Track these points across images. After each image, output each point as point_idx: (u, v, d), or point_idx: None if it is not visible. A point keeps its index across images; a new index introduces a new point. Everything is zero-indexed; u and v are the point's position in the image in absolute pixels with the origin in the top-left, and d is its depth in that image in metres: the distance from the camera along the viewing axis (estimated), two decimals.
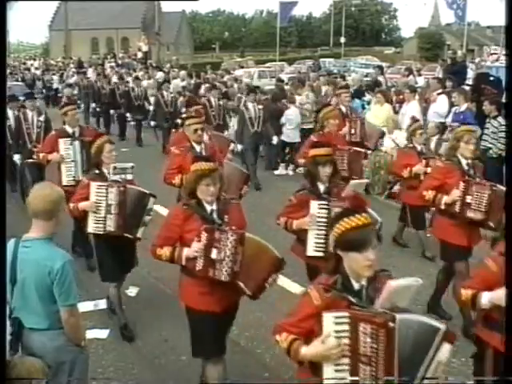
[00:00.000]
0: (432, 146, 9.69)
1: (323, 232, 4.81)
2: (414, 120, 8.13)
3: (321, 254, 4.82)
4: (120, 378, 4.90)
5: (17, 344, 3.45)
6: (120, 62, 36.91)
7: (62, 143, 7.26)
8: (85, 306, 5.69)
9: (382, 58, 49.39)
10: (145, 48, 39.27)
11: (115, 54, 44.21)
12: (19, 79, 28.35)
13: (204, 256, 3.89)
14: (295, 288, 6.47)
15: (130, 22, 65.82)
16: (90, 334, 5.21)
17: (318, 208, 4.84)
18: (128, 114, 16.95)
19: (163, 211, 6.49)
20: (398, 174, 7.67)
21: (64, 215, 3.60)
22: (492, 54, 31.25)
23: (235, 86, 18.36)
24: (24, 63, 41.59)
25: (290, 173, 12.47)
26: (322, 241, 4.83)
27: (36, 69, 35.13)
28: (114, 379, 4.87)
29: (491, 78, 10.35)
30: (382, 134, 11.05)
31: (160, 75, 23.76)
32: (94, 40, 70.30)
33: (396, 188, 10.26)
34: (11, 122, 9.94)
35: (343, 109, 9.89)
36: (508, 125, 7.88)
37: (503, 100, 9.64)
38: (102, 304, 6.13)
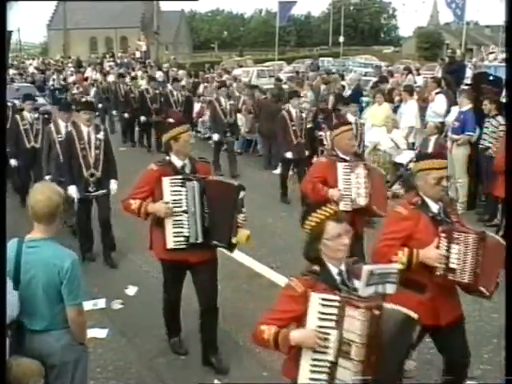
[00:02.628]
0: (431, 145, 9.71)
1: None
2: None
3: None
4: (119, 377, 4.89)
5: (18, 347, 3.40)
6: (119, 61, 36.91)
7: (169, 184, 4.61)
8: (84, 305, 5.67)
9: (381, 57, 49.27)
10: (144, 47, 39.29)
11: (114, 54, 44.20)
12: (16, 80, 27.42)
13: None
14: None
15: (129, 21, 65.82)
16: (89, 333, 5.16)
17: None
18: None
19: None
20: None
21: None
22: (490, 53, 31.22)
23: (234, 85, 18.34)
24: (23, 62, 41.54)
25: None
26: None
27: (35, 68, 35.07)
28: (112, 378, 4.86)
29: (491, 78, 10.32)
30: None
31: (159, 74, 23.77)
32: (93, 39, 70.29)
33: (395, 187, 10.27)
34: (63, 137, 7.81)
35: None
36: (508, 124, 7.87)
37: (503, 99, 9.64)
38: (101, 303, 6.13)
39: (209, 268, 4.82)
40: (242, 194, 4.42)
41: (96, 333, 5.46)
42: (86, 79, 25.51)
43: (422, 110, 11.40)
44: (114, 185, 7.20)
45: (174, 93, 14.06)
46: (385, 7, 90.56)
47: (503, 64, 18.45)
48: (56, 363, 3.44)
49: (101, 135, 7.16)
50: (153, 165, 4.78)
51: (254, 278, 6.90)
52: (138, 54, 39.33)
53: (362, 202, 5.62)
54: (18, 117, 9.55)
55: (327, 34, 69.54)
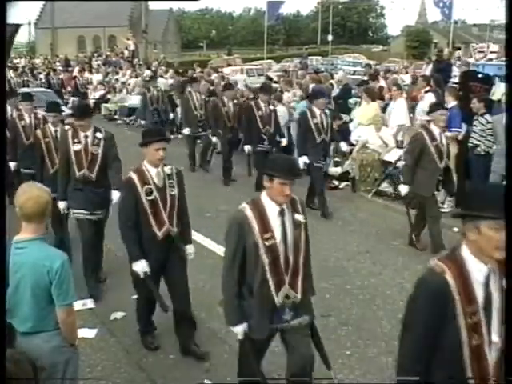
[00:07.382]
0: None
1: None
2: None
3: None
4: (108, 377, 4.86)
5: (8, 349, 3.36)
6: (108, 59, 36.70)
7: None
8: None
9: (370, 55, 49.51)
10: (132, 46, 39.12)
11: (101, 53, 43.96)
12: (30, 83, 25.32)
13: None
14: None
15: (117, 20, 65.51)
16: (78, 333, 5.15)
17: None
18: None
19: None
20: None
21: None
22: (479, 51, 31.45)
23: (222, 84, 18.30)
24: (11, 62, 41.19)
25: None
26: None
27: (23, 67, 34.75)
28: (101, 378, 4.83)
29: (480, 76, 10.36)
30: None
31: (147, 73, 23.69)
32: (81, 38, 69.91)
33: (384, 186, 10.30)
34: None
35: None
36: (507, 123, 7.92)
37: (492, 97, 9.71)
38: (90, 303, 6.10)
39: None
40: None
41: (85, 333, 5.43)
42: (74, 78, 25.33)
43: (411, 109, 11.42)
44: (191, 250, 5.14)
45: (281, 109, 10.03)
46: (373, 6, 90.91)
47: (491, 62, 18.60)
48: (45, 365, 3.39)
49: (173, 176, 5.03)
50: None
51: None
52: (126, 53, 39.11)
53: None
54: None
55: (316, 32, 69.64)
